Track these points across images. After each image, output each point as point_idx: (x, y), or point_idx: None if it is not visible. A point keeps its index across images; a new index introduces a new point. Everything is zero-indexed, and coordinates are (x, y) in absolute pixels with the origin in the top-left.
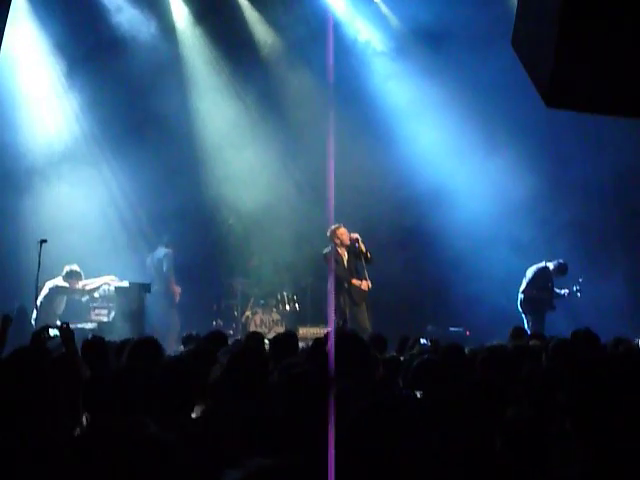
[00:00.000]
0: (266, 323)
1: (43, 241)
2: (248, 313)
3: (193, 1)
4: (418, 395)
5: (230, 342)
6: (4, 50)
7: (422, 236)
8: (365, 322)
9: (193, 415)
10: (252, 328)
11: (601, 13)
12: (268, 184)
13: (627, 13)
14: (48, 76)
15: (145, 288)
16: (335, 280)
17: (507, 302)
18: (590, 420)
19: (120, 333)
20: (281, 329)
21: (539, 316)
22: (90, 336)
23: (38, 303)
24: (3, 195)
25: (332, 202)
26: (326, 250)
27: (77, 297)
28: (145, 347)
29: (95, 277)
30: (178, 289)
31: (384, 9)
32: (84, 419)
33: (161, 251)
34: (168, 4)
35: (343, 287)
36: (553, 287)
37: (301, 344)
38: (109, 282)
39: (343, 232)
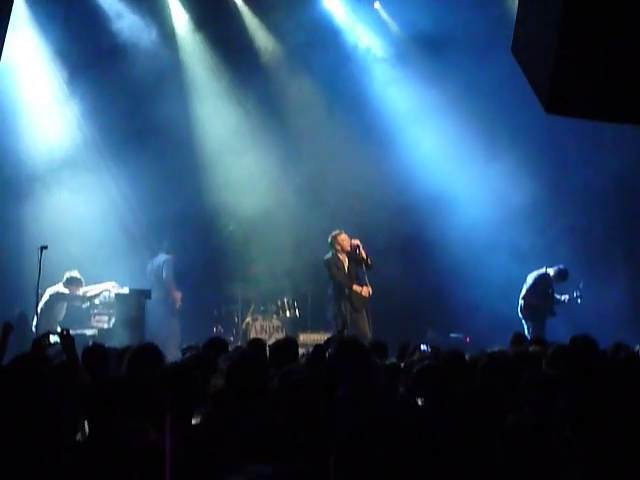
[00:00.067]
0: (266, 329)
1: (44, 247)
2: (248, 319)
3: (193, 7)
4: (419, 402)
5: (230, 349)
6: (5, 57)
7: (422, 242)
8: (365, 328)
9: (193, 421)
10: (252, 334)
11: (600, 20)
12: (268, 190)
13: (626, 20)
14: (49, 83)
15: (145, 294)
16: (336, 286)
17: (507, 308)
18: (590, 426)
19: (120, 339)
20: (281, 335)
21: (539, 322)
22: (90, 343)
23: (39, 310)
24: (4, 202)
25: None
26: (327, 256)
27: (77, 303)
28: (145, 354)
29: (96, 283)
30: (179, 295)
31: (384, 15)
32: (85, 426)
33: (161, 257)
34: (168, 10)
35: (344, 293)
36: (553, 293)
37: (301, 350)
38: (109, 289)
39: (344, 238)
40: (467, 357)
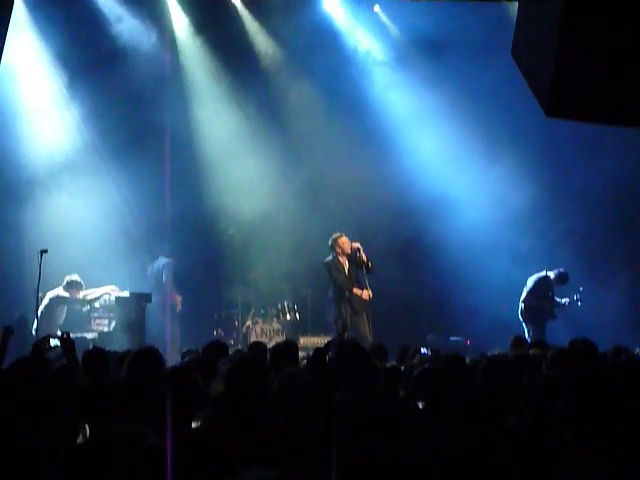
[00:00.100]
0: (267, 333)
1: (44, 251)
2: (249, 323)
3: (193, 11)
4: (420, 406)
5: (231, 352)
6: (5, 61)
7: (422, 245)
8: (366, 331)
9: (193, 425)
10: (253, 338)
11: (600, 23)
12: (268, 193)
13: (626, 24)
14: (49, 87)
15: (146, 298)
16: (336, 289)
17: (507, 311)
18: (590, 429)
19: (121, 343)
20: (282, 339)
21: (540, 325)
22: (91, 346)
23: (39, 313)
24: (4, 206)
25: None
26: (327, 259)
27: (78, 307)
28: (145, 357)
29: (96, 287)
30: (179, 299)
31: (384, 19)
32: (85, 429)
33: (161, 261)
34: (168, 14)
35: (344, 296)
36: (554, 296)
37: (302, 353)
38: (110, 292)
39: (344, 241)
40: (467, 360)
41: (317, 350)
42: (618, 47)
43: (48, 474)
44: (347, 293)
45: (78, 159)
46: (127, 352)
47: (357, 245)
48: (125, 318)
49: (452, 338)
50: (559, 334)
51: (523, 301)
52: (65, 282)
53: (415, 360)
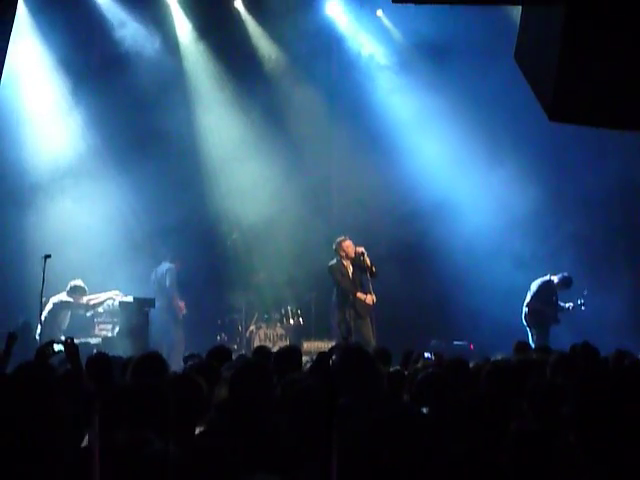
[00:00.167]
0: (270, 337)
1: (47, 256)
2: (252, 328)
3: (196, 16)
4: (424, 411)
5: (234, 357)
6: (8, 66)
7: (425, 249)
8: (369, 336)
9: (197, 431)
10: (256, 343)
11: (603, 27)
12: (271, 198)
13: (629, 27)
14: (52, 92)
15: (149, 303)
16: (340, 293)
17: (511, 316)
18: (594, 433)
19: (124, 348)
20: (285, 343)
21: (543, 329)
22: (94, 351)
23: (42, 318)
24: (8, 211)
25: None
26: (331, 262)
27: (81, 312)
28: (149, 362)
29: (99, 292)
30: (182, 304)
31: (387, 23)
32: (89, 435)
33: (164, 266)
34: (171, 19)
35: (348, 300)
36: (557, 300)
37: (305, 358)
38: (113, 297)
39: (349, 245)
40: (472, 365)
41: (320, 355)
42: (621, 51)
43: None
44: (351, 297)
45: (81, 164)
46: (131, 358)
47: (361, 249)
48: (129, 323)
49: (456, 342)
50: (562, 338)
51: (527, 305)
52: (69, 287)
53: (419, 365)
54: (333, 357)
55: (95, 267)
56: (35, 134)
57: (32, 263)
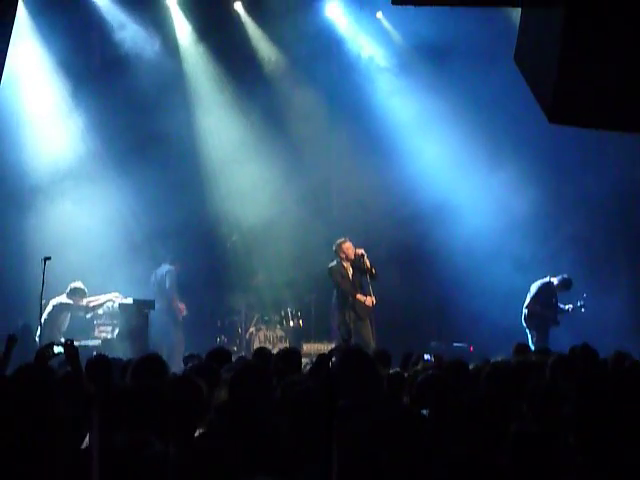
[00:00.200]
0: (270, 339)
1: (47, 258)
2: (252, 329)
3: (196, 18)
4: (424, 413)
5: (234, 359)
6: (8, 68)
7: (425, 252)
8: (369, 337)
9: (197, 432)
10: (256, 344)
11: (602, 30)
12: (271, 200)
13: (628, 30)
14: (52, 94)
15: (149, 305)
16: (340, 295)
17: (510, 318)
18: (593, 435)
19: (124, 350)
20: (285, 345)
21: (543, 331)
22: (94, 353)
23: (42, 320)
24: (8, 213)
25: None
26: (331, 264)
27: (81, 314)
28: (149, 364)
29: (99, 294)
30: (182, 305)
31: (387, 25)
32: (89, 437)
33: (164, 268)
34: (171, 21)
35: (348, 302)
36: (557, 302)
37: (305, 360)
38: (113, 299)
39: (349, 246)
40: (472, 366)
41: (320, 357)
42: (620, 53)
43: None
44: (351, 299)
45: (81, 166)
46: (130, 360)
47: (361, 251)
48: (128, 325)
49: (455, 344)
50: (562, 340)
51: (526, 307)
52: (68, 289)
53: (419, 366)
54: (333, 359)
55: (95, 269)
56: (35, 136)
57: (32, 265)
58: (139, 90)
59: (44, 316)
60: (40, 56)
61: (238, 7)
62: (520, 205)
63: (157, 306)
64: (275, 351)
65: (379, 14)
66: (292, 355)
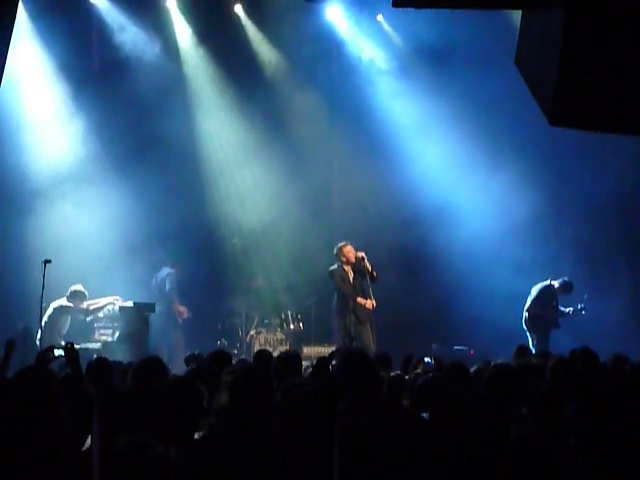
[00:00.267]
0: (270, 342)
1: (47, 261)
2: (252, 332)
3: (196, 21)
4: (425, 416)
5: (234, 361)
6: (8, 71)
7: (425, 254)
8: (369, 341)
9: (196, 435)
10: (256, 347)
11: (603, 32)
12: (272, 203)
13: (628, 33)
14: (52, 97)
15: (149, 308)
16: (341, 298)
17: (511, 321)
18: (593, 437)
19: (124, 353)
20: (285, 348)
21: (544, 334)
22: (95, 356)
23: (42, 323)
24: (8, 216)
25: None
26: (332, 267)
27: (81, 317)
28: (149, 367)
29: (99, 297)
30: (183, 308)
31: (387, 28)
32: (90, 439)
33: (165, 271)
34: (171, 24)
35: (349, 305)
36: (558, 305)
37: (306, 363)
38: (113, 302)
39: (350, 250)
40: (473, 369)
41: (320, 360)
42: (621, 55)
43: None
44: (351, 302)
45: (82, 169)
46: (131, 363)
47: (362, 254)
48: (129, 328)
49: (456, 347)
50: (563, 343)
51: (527, 310)
52: (69, 292)
53: (419, 369)
54: (333, 362)
55: (95, 272)
56: (35, 139)
57: (32, 268)
58: (139, 93)
59: (44, 319)
60: (40, 59)
61: (238, 10)
62: (520, 207)
63: (157, 309)
64: (276, 354)
65: (379, 17)
66: (292, 358)
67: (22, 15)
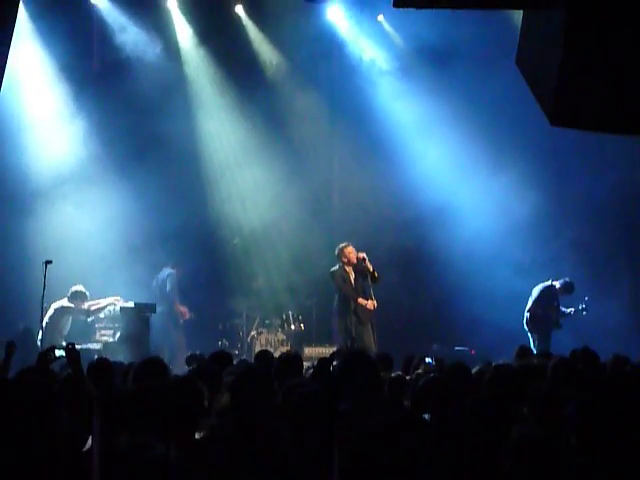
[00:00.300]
0: (271, 343)
1: (48, 262)
2: (253, 333)
3: (197, 21)
4: (426, 417)
5: (235, 362)
6: (9, 71)
7: (426, 255)
8: (371, 341)
9: (197, 435)
10: (257, 348)
11: (604, 32)
12: (272, 203)
13: (629, 33)
14: (53, 98)
15: (150, 308)
16: (342, 299)
17: (512, 321)
18: (594, 438)
19: (125, 354)
20: (286, 349)
21: (545, 335)
22: (96, 357)
23: (43, 324)
24: (9, 217)
25: None
26: (333, 268)
27: (82, 318)
28: (150, 367)
29: (100, 297)
30: (185, 309)
31: (388, 28)
32: (90, 439)
33: (165, 271)
34: (172, 24)
35: (350, 307)
36: (559, 306)
37: (307, 364)
38: (114, 303)
39: (351, 251)
40: (475, 370)
41: (321, 360)
42: (622, 56)
43: None
44: (352, 303)
45: (82, 170)
46: (132, 364)
47: (363, 255)
48: (130, 329)
49: (457, 348)
50: (564, 343)
51: (528, 310)
52: (70, 293)
53: (420, 370)
54: (334, 363)
55: (96, 272)
56: (36, 140)
57: (33, 269)
58: (140, 93)
59: (45, 320)
60: (41, 59)
61: (239, 10)
62: (521, 208)
63: (158, 309)
64: (277, 355)
65: (380, 17)
66: (293, 359)
67: (23, 15)
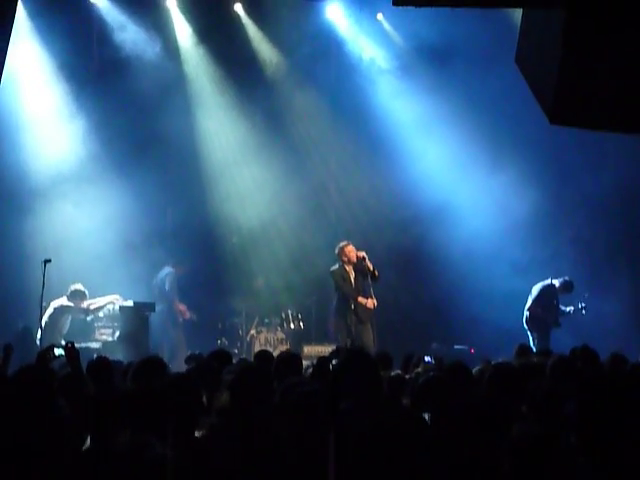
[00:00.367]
0: (271, 342)
1: (47, 261)
2: (253, 332)
3: (196, 20)
4: (426, 417)
5: (235, 361)
6: (7, 69)
7: (425, 253)
8: (370, 340)
9: (197, 434)
10: (257, 347)
11: (604, 31)
12: (272, 202)
13: (629, 31)
14: (52, 96)
15: (149, 307)
16: (341, 298)
17: (511, 320)
18: (594, 436)
19: (124, 352)
20: (286, 348)
21: (544, 333)
22: (95, 356)
23: (43, 323)
24: (8, 215)
25: None
26: (333, 267)
27: (82, 316)
28: (150, 366)
29: (100, 296)
30: (184, 307)
31: (387, 27)
32: (89, 438)
33: (165, 270)
34: (171, 23)
35: (350, 305)
36: (558, 304)
37: (306, 363)
38: (114, 301)
39: (351, 249)
40: (475, 368)
41: (321, 359)
42: (622, 54)
43: None
44: (352, 302)
45: (82, 168)
46: (131, 363)
47: (363, 254)
48: (129, 328)
49: (456, 347)
50: (564, 342)
51: (528, 309)
52: (69, 291)
53: (419, 369)
54: (333, 361)
55: (95, 271)
56: (35, 138)
57: (32, 268)
58: (139, 92)
59: (45, 318)
60: (40, 58)
61: (238, 9)
62: (520, 207)
63: (158, 308)
64: (276, 354)
65: (380, 15)
66: (293, 358)
67: (22, 14)
